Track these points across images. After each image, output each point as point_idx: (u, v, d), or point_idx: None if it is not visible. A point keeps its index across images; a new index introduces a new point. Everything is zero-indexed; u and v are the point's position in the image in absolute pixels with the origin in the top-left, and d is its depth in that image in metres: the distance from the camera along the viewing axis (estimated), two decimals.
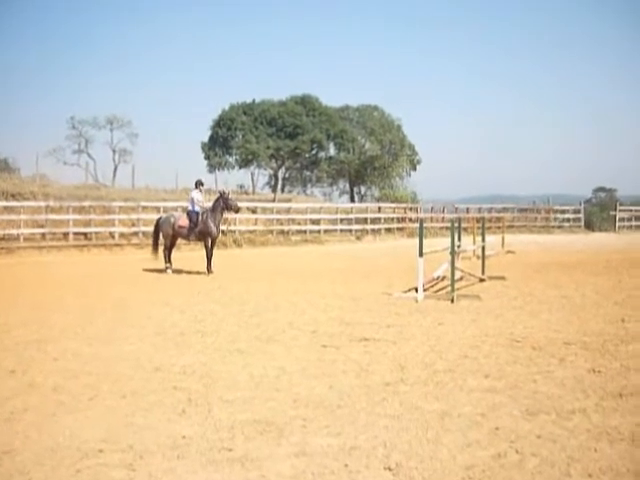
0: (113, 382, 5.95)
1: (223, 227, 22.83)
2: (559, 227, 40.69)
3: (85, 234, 24.11)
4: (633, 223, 42.27)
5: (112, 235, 24.69)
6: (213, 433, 4.62)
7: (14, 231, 22.52)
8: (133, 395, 5.55)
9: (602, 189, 55.14)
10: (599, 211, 43.94)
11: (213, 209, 16.66)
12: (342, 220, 32.12)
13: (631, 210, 43.52)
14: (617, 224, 41.09)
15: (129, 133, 42.82)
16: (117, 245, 24.30)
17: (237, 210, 17.85)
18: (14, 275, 16.17)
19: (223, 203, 16.63)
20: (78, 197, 25.67)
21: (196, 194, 16.90)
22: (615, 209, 42.13)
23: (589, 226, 41.53)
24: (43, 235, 23.16)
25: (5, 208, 23.07)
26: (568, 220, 41.74)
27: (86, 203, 24.60)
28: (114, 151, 42.12)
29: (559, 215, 41.89)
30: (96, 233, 24.28)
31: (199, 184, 17.18)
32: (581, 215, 41.99)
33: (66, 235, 23.55)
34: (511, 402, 5.27)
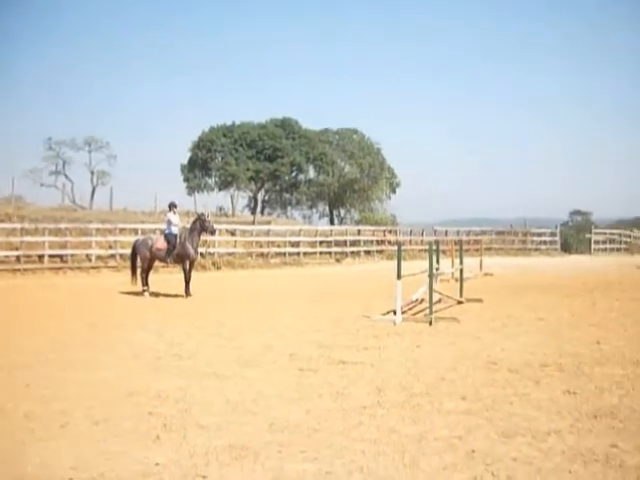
0: (86, 408, 5.85)
1: (202, 249, 22.76)
2: (536, 249, 41.02)
3: (61, 257, 23.82)
4: (608, 246, 42.73)
5: (89, 257, 24.42)
6: (187, 459, 4.56)
7: None
8: (106, 421, 5.46)
9: (578, 212, 55.90)
10: (575, 234, 44.43)
11: (191, 231, 16.61)
12: (321, 243, 32.12)
13: (606, 233, 44.05)
14: (592, 247, 41.52)
15: (108, 155, 42.69)
16: (94, 268, 24.02)
17: (213, 232, 17.78)
18: None
19: (200, 225, 16.59)
20: (54, 219, 25.45)
21: (172, 216, 16.85)
22: (590, 232, 42.61)
23: (565, 249, 41.93)
24: (18, 258, 22.83)
25: None
26: (545, 243, 42.12)
27: (62, 225, 24.34)
28: (92, 173, 41.91)
29: (536, 238, 42.26)
30: (72, 255, 23.99)
31: (172, 206, 17.14)
32: (557, 238, 42.39)
33: (41, 258, 23.25)
34: (487, 424, 5.27)
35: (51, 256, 23.51)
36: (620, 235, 44.33)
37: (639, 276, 21.59)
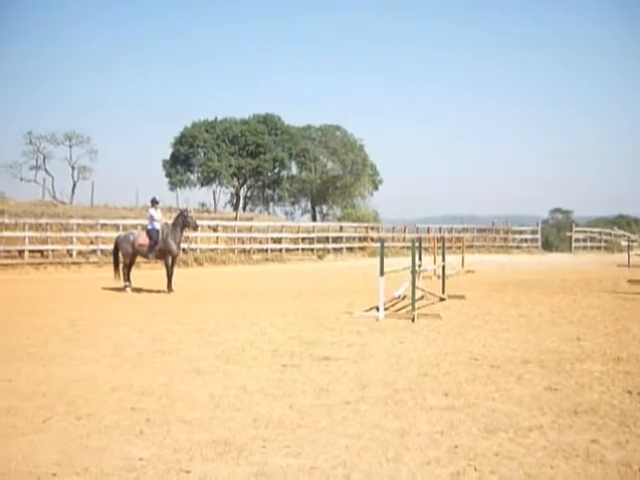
0: (68, 404, 5.81)
1: (184, 245, 22.67)
2: (517, 247, 41.35)
3: (41, 252, 23.64)
4: (588, 244, 43.15)
5: (70, 253, 24.27)
6: (171, 454, 4.54)
7: None
8: (89, 417, 5.43)
9: (559, 210, 56.31)
10: (556, 232, 44.90)
11: (173, 227, 16.55)
12: (304, 239, 32.15)
13: (586, 231, 44.50)
14: (573, 245, 41.90)
15: (88, 149, 42.15)
16: (75, 263, 23.87)
17: (195, 228, 17.80)
18: None
19: (182, 221, 16.55)
20: (34, 214, 25.24)
21: (154, 212, 16.79)
22: (571, 230, 43.00)
23: (546, 246, 42.32)
24: None
25: None
26: (526, 240, 42.47)
27: (43, 220, 24.16)
28: (73, 168, 41.45)
29: (517, 235, 42.60)
30: (53, 251, 23.83)
31: (154, 202, 17.09)
32: (538, 236, 42.76)
33: (21, 253, 23.07)
34: (470, 420, 5.31)
35: (31, 251, 23.34)
36: (600, 233, 44.79)
37: (619, 274, 21.83)
